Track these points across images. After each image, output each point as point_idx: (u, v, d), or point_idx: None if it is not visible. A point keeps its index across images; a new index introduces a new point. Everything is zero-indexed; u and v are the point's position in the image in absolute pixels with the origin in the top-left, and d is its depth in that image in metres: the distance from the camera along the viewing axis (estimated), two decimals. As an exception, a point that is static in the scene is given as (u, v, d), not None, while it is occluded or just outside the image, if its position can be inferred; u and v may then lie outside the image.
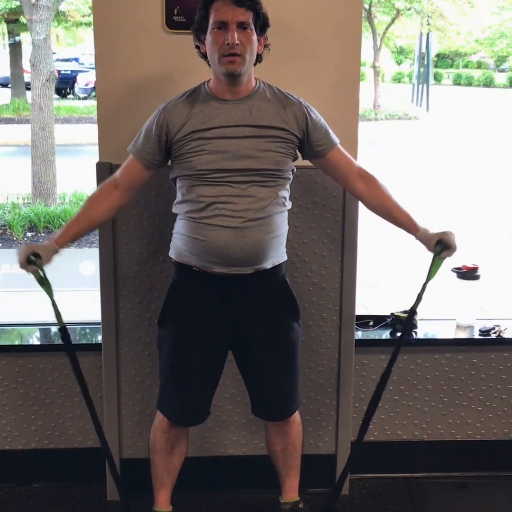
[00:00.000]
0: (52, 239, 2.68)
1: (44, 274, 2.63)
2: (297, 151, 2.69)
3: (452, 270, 3.52)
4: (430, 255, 2.73)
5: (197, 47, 2.64)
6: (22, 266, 2.60)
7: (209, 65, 2.61)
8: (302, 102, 2.67)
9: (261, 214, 2.57)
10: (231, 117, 2.57)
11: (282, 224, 2.67)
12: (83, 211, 2.71)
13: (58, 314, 2.66)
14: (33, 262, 2.59)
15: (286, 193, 2.67)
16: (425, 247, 2.75)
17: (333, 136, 2.72)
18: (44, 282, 2.63)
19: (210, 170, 2.55)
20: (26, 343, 3.60)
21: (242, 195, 2.55)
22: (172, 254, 2.73)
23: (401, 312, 3.51)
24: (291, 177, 2.69)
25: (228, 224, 2.55)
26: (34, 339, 3.65)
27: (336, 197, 3.11)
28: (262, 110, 2.60)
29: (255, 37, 2.54)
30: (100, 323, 3.20)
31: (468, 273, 3.51)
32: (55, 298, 2.65)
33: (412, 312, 2.81)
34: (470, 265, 3.52)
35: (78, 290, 6.26)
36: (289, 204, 2.70)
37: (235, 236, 2.55)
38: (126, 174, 2.71)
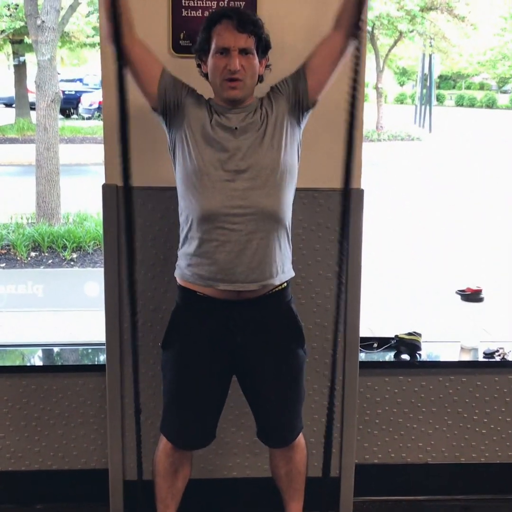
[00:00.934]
0: None
1: None
2: (302, 110, 2.65)
3: (456, 293, 3.52)
4: None
5: (199, 66, 2.66)
6: None
7: (210, 84, 2.63)
8: (271, 86, 2.66)
9: (263, 226, 2.56)
10: (230, 122, 2.58)
11: (285, 235, 2.66)
12: None
13: None
14: None
15: (290, 201, 2.66)
16: None
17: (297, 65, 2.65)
18: None
19: (211, 169, 2.54)
20: (30, 364, 3.60)
21: (244, 206, 2.54)
22: (177, 275, 2.73)
23: (405, 334, 3.51)
24: (296, 179, 2.68)
25: (230, 238, 2.54)
26: (38, 360, 3.65)
27: (340, 218, 3.11)
28: (257, 112, 2.60)
29: (256, 61, 2.56)
30: (104, 343, 3.20)
31: (472, 295, 3.51)
32: None
33: None
34: (474, 287, 3.52)
35: (82, 311, 6.27)
36: (290, 216, 2.68)
37: (238, 250, 2.55)
38: (146, 53, 2.59)
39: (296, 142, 2.67)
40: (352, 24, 2.44)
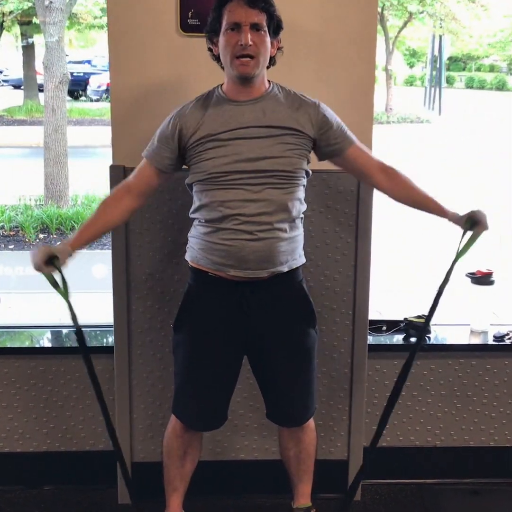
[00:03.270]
0: (66, 242, 2.66)
1: (63, 276, 2.59)
2: (313, 152, 2.67)
3: (466, 275, 3.50)
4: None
5: (210, 49, 2.63)
6: (39, 268, 2.55)
7: (222, 68, 2.61)
8: (317, 102, 2.65)
9: (275, 218, 2.56)
10: (244, 118, 2.56)
11: (297, 227, 2.66)
12: (96, 215, 2.70)
13: (74, 316, 2.64)
14: (52, 263, 2.56)
15: (301, 195, 2.65)
16: (458, 226, 2.73)
17: (350, 134, 2.70)
18: (57, 285, 2.60)
19: (224, 172, 2.53)
20: (38, 346, 3.59)
21: (256, 199, 2.53)
22: (188, 257, 2.72)
23: (414, 317, 3.49)
24: (306, 180, 2.67)
25: (242, 228, 2.53)
26: (46, 341, 3.65)
27: (349, 200, 3.10)
28: (276, 111, 2.58)
29: (268, 39, 2.53)
30: (112, 325, 3.20)
31: (482, 278, 3.48)
32: (71, 299, 2.63)
33: (439, 291, 2.75)
34: (484, 270, 3.49)
35: (90, 293, 6.26)
36: (303, 207, 2.68)
37: (249, 239, 2.54)
38: (140, 179, 2.70)
39: (307, 157, 2.66)
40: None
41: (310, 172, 2.68)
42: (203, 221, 2.61)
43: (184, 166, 2.68)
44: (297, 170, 2.59)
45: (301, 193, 2.65)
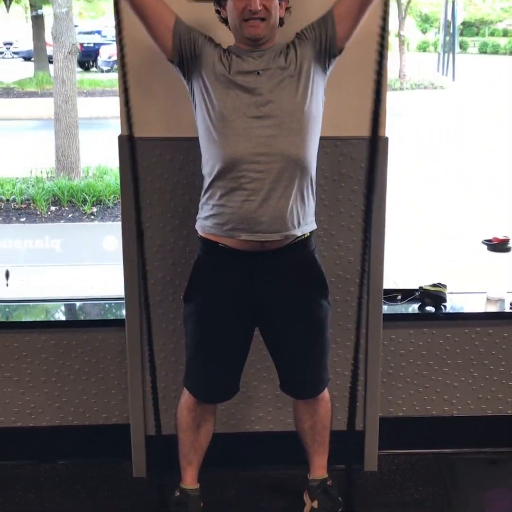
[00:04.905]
0: None
1: None
2: (330, 56, 2.59)
3: (483, 242, 3.45)
4: None
5: (217, 11, 2.61)
6: None
7: (230, 29, 2.58)
8: (297, 32, 2.60)
9: (287, 174, 2.51)
10: (253, 65, 2.52)
11: (310, 188, 2.61)
12: None
13: None
14: None
15: (313, 150, 2.59)
16: None
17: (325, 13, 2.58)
18: None
19: (233, 115, 2.49)
20: (50, 319, 3.57)
21: (268, 153, 2.48)
22: (198, 227, 2.67)
23: (430, 285, 3.45)
24: (319, 131, 2.61)
25: (253, 187, 2.49)
26: (58, 315, 3.63)
27: (363, 168, 3.04)
28: (283, 55, 2.54)
29: (277, 1, 2.50)
30: (123, 298, 3.16)
31: (498, 245, 3.44)
32: None
33: None
34: (500, 237, 3.44)
35: (101, 265, 6.24)
36: (314, 166, 2.62)
37: (261, 199, 2.50)
38: (158, 2, 2.56)
39: (321, 89, 2.61)
40: None
41: (321, 111, 2.62)
42: (213, 183, 2.57)
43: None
44: (309, 115, 2.54)
45: (315, 146, 2.59)
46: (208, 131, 2.56)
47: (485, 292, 3.51)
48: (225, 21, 2.59)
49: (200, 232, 2.68)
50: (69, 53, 10.13)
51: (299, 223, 2.58)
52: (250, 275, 2.60)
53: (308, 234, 2.65)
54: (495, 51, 35.46)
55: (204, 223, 2.63)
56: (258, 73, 2.51)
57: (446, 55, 25.47)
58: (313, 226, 2.68)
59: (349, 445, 2.72)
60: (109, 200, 9.13)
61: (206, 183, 2.62)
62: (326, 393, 2.89)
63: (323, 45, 2.56)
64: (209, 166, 2.59)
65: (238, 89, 2.51)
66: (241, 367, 2.81)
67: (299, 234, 2.60)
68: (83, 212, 8.97)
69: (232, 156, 2.50)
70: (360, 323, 2.41)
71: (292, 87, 2.52)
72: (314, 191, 2.66)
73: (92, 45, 24.05)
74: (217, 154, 2.53)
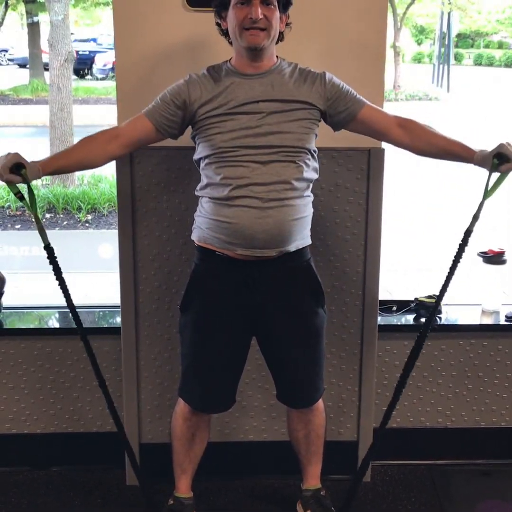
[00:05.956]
0: (37, 162, 2.53)
1: (30, 187, 2.49)
2: (326, 125, 2.65)
3: (478, 255, 3.46)
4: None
5: (218, 24, 2.61)
6: (4, 176, 2.44)
7: (230, 43, 2.59)
8: (323, 72, 2.62)
9: (283, 195, 2.52)
10: (253, 92, 2.53)
11: (306, 206, 2.62)
12: (76, 147, 2.63)
13: (41, 230, 2.56)
14: (19, 173, 2.44)
15: (310, 175, 2.61)
16: (484, 167, 2.57)
17: (360, 97, 2.65)
18: (23, 197, 2.50)
19: (232, 147, 2.50)
20: (45, 326, 3.57)
21: (265, 174, 2.50)
22: (194, 237, 2.68)
23: (425, 296, 3.45)
24: (314, 159, 2.63)
25: (250, 204, 2.50)
26: (53, 322, 3.63)
27: (359, 179, 3.05)
28: (284, 84, 2.56)
29: (278, 13, 2.50)
30: (119, 306, 3.16)
31: (494, 258, 3.45)
32: (37, 213, 2.55)
33: (464, 238, 2.69)
34: (496, 249, 3.45)
35: (96, 273, 6.24)
36: (311, 186, 2.64)
37: (258, 217, 2.50)
38: (133, 129, 2.63)
39: (316, 129, 2.63)
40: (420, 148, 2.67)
41: (316, 151, 2.64)
42: (211, 198, 2.57)
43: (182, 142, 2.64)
44: (306, 146, 2.56)
45: (311, 172, 2.61)
46: (206, 158, 2.57)
47: (480, 304, 3.51)
48: (225, 34, 2.59)
49: (197, 242, 2.68)
50: (65, 60, 10.14)
51: (295, 240, 2.60)
52: (247, 284, 2.60)
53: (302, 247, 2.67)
54: (490, 63, 35.61)
55: (201, 233, 2.64)
56: (258, 102, 2.52)
57: (441, 66, 25.56)
58: (307, 241, 2.69)
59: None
60: (103, 207, 9.13)
61: (202, 199, 2.63)
62: (320, 403, 2.89)
63: (328, 111, 2.61)
64: (205, 181, 2.60)
65: (236, 120, 2.51)
66: (238, 377, 2.81)
67: (293, 249, 2.61)
68: (78, 220, 8.97)
69: (230, 178, 2.51)
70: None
71: (292, 117, 2.53)
72: (311, 209, 2.67)
73: (87, 52, 24.07)
74: (216, 176, 2.54)
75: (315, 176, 2.64)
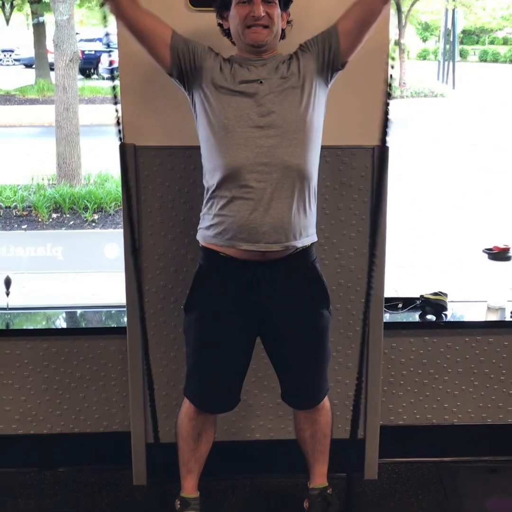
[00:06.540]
0: None
1: None
2: (331, 78, 2.63)
3: (483, 251, 3.45)
4: None
5: (220, 25, 2.62)
6: None
7: (232, 43, 2.60)
8: (300, 44, 2.61)
9: (289, 185, 2.51)
10: (258, 73, 2.53)
11: (311, 200, 2.61)
12: None
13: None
14: None
15: (315, 161, 2.60)
16: None
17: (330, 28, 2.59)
18: None
19: (234, 125, 2.49)
20: (51, 327, 3.58)
21: (269, 163, 2.49)
22: (199, 237, 2.68)
23: (430, 294, 3.45)
24: (320, 142, 2.62)
25: (254, 197, 2.49)
26: (59, 322, 3.63)
27: (364, 177, 3.05)
28: (285, 66, 2.55)
29: (279, 11, 2.51)
30: (124, 306, 3.17)
31: (499, 254, 3.43)
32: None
33: None
34: (501, 245, 3.44)
35: (102, 273, 6.25)
36: (315, 176, 2.63)
37: (262, 209, 2.50)
38: (155, 19, 2.56)
39: (323, 101, 2.62)
40: None
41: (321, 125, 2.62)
42: (213, 193, 2.57)
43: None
44: (310, 125, 2.55)
45: (316, 157, 2.60)
46: (209, 140, 2.57)
47: (486, 301, 3.51)
48: (227, 34, 2.60)
49: (201, 242, 2.68)
50: (71, 60, 10.16)
51: (300, 234, 2.58)
52: (251, 285, 2.60)
53: (309, 244, 2.66)
54: (495, 59, 35.57)
55: (205, 233, 2.63)
56: (261, 82, 2.52)
57: (446, 63, 25.55)
58: (314, 238, 2.68)
59: (350, 454, 2.72)
60: (110, 207, 9.15)
61: (207, 193, 2.63)
62: (326, 402, 2.89)
63: (326, 58, 2.57)
64: (210, 176, 2.60)
65: (239, 98, 2.51)
66: (242, 377, 2.81)
67: (300, 245, 2.60)
68: (85, 219, 8.99)
69: (233, 165, 2.50)
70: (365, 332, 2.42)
71: (294, 97, 2.52)
72: (316, 201, 2.66)
73: (93, 52, 24.10)
74: (218, 163, 2.54)
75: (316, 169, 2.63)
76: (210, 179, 2.59)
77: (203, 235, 2.65)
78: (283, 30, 2.59)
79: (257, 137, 2.49)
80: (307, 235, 2.63)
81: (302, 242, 2.61)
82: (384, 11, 2.52)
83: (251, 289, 2.60)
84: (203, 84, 2.55)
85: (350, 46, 2.58)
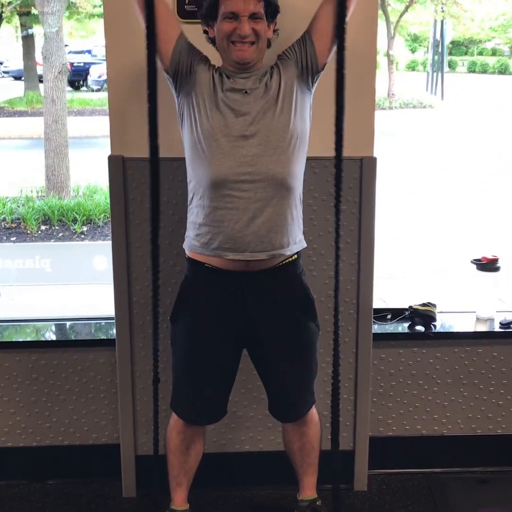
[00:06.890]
0: None
1: None
2: (316, 72, 2.60)
3: (472, 262, 3.46)
4: None
5: (205, 31, 2.61)
6: None
7: (217, 49, 2.60)
8: (278, 55, 2.62)
9: (273, 194, 2.51)
10: (243, 83, 2.54)
11: (296, 208, 2.61)
12: None
13: None
14: None
15: (300, 170, 2.61)
16: None
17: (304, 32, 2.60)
18: None
19: (218, 134, 2.50)
20: (40, 339, 3.57)
21: (253, 172, 2.49)
22: (185, 246, 2.68)
23: (419, 304, 3.45)
24: (306, 150, 2.63)
25: (239, 206, 2.50)
26: (48, 335, 3.62)
27: (352, 188, 3.06)
28: (268, 76, 2.56)
29: (265, 25, 2.52)
30: (113, 318, 3.16)
31: (488, 265, 3.44)
32: None
33: None
34: (490, 256, 3.45)
35: (91, 284, 6.23)
36: (300, 185, 2.63)
37: (247, 218, 2.50)
38: (170, 15, 2.60)
39: (307, 107, 2.63)
40: None
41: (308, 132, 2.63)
42: (198, 202, 2.57)
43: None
44: (294, 133, 2.55)
45: (301, 165, 2.61)
46: (194, 148, 2.57)
47: (475, 312, 3.51)
48: (212, 41, 2.60)
49: (187, 252, 2.68)
50: (59, 73, 10.16)
51: (287, 242, 2.58)
52: (237, 296, 2.60)
53: (296, 256, 2.65)
54: (484, 70, 35.74)
55: (192, 242, 2.63)
56: (246, 92, 2.53)
57: (435, 74, 25.66)
58: (302, 244, 2.68)
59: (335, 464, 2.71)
60: (99, 219, 9.14)
61: (192, 203, 2.63)
62: (315, 414, 2.89)
63: (304, 63, 2.57)
64: (194, 184, 2.60)
65: (226, 108, 2.52)
66: (228, 389, 2.80)
67: (288, 253, 2.60)
68: (73, 231, 8.97)
69: (217, 175, 2.50)
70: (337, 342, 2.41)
71: (277, 106, 2.53)
72: (301, 210, 2.66)
73: (82, 64, 24.14)
74: (202, 172, 2.54)
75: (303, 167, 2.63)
76: (194, 188, 2.60)
77: (190, 245, 2.64)
78: (269, 40, 2.58)
79: (240, 146, 2.49)
80: (294, 242, 2.62)
81: (290, 249, 2.60)
82: (351, 4, 2.46)
83: (236, 301, 2.60)
84: (193, 91, 2.55)
85: (325, 46, 2.56)
